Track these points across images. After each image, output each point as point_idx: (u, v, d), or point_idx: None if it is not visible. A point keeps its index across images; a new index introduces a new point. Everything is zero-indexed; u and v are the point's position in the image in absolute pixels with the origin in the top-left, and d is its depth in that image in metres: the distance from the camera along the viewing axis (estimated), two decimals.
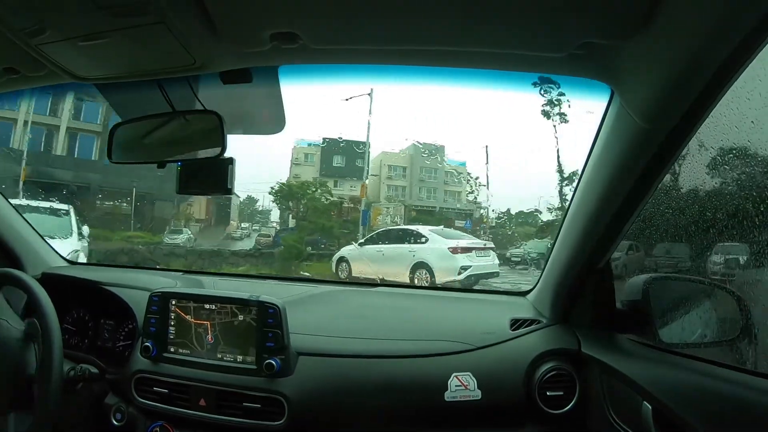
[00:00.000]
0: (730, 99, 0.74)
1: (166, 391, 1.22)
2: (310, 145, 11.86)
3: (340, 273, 7.51)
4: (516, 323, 1.32)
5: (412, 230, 7.51)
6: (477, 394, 1.16)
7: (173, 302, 1.26)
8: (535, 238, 9.01)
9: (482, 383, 1.17)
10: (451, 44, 0.80)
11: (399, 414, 1.18)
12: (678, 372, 0.93)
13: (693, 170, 1.05)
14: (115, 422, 1.25)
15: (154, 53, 0.83)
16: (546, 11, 0.68)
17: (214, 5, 0.70)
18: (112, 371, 1.30)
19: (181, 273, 1.82)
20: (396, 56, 0.88)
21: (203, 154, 1.02)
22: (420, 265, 6.63)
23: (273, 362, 1.15)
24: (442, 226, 8.70)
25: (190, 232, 9.96)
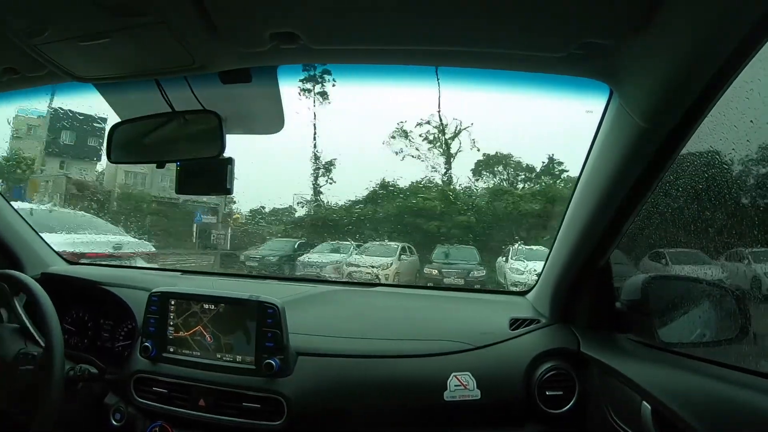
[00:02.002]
0: (730, 99, 0.74)
1: (166, 391, 1.22)
2: (39, 116, 8.64)
3: None
4: (515, 323, 1.32)
5: None
6: (476, 394, 1.16)
7: (173, 302, 1.26)
8: (281, 236, 7.96)
9: (481, 383, 1.17)
10: (451, 44, 0.80)
11: (398, 414, 1.18)
12: (677, 372, 0.93)
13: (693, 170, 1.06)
14: (114, 422, 1.25)
15: (153, 53, 0.83)
16: (546, 11, 0.68)
17: (213, 5, 0.70)
18: (112, 371, 1.30)
19: (180, 273, 1.82)
20: (395, 56, 0.88)
21: (202, 153, 1.02)
22: None
23: (272, 362, 1.15)
24: None
25: None
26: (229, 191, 1.10)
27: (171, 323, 1.25)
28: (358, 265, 6.24)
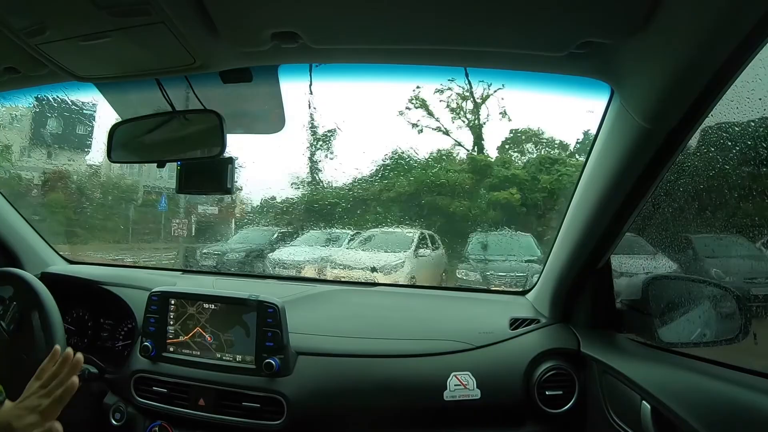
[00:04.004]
0: (730, 99, 0.74)
1: (166, 390, 1.22)
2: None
3: None
4: (515, 322, 1.32)
5: None
6: (476, 394, 1.16)
7: (173, 302, 1.26)
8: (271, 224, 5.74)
9: (481, 382, 1.17)
10: (452, 43, 0.80)
11: (398, 413, 1.18)
12: (677, 372, 0.93)
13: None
14: (114, 422, 1.25)
15: (154, 53, 0.83)
16: (546, 11, 0.68)
17: (214, 5, 0.70)
18: (112, 371, 1.30)
19: (180, 272, 1.82)
20: (396, 56, 0.88)
21: (203, 153, 1.02)
22: None
23: (272, 362, 1.15)
24: None
25: None
26: (230, 191, 1.09)
27: (171, 323, 1.25)
28: (348, 266, 4.24)
